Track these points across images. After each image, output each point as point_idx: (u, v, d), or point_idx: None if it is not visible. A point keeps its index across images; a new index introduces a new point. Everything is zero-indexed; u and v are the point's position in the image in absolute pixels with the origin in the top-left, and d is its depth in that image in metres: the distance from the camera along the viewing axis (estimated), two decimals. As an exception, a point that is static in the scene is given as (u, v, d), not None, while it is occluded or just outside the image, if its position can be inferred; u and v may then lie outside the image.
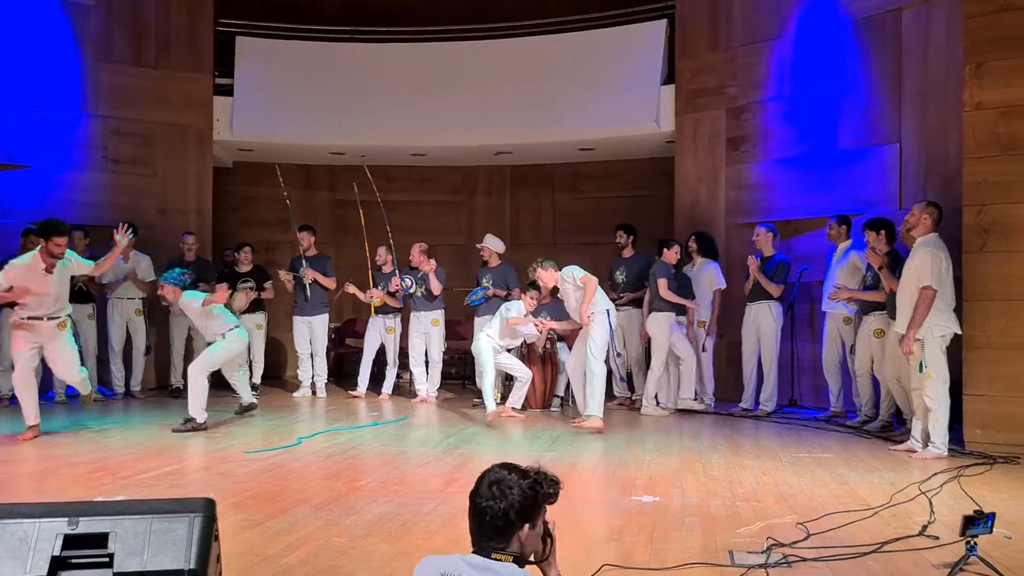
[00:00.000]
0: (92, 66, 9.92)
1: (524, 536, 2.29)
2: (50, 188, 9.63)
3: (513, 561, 2.20)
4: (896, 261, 6.77)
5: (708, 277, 8.78)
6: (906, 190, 7.98)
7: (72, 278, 8.81)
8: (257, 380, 9.73)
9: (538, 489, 2.32)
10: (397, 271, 9.36)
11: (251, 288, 9.49)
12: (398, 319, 9.61)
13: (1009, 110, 6.40)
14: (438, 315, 9.35)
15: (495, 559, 2.20)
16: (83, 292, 8.97)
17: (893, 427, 7.29)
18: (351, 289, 9.53)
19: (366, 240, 9.53)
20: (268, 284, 9.68)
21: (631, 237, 9.19)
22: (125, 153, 10.11)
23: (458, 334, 10.63)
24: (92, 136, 9.94)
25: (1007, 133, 6.39)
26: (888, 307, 6.75)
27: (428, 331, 9.32)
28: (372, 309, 9.50)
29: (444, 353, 9.59)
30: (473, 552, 2.26)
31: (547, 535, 2.40)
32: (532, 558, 2.38)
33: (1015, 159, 6.35)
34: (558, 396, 8.88)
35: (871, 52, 8.43)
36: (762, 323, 8.40)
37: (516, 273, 9.39)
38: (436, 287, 9.24)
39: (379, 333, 9.59)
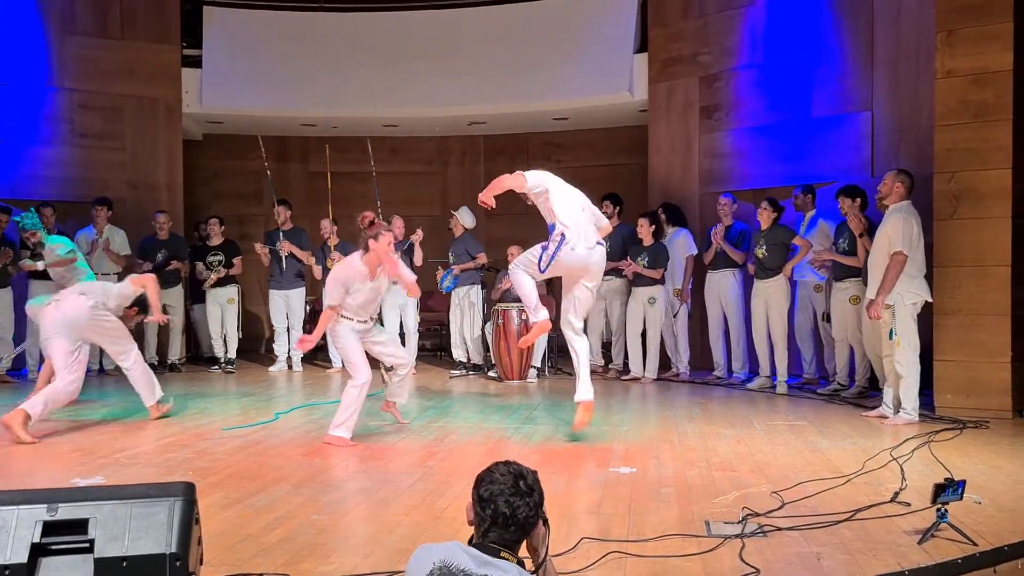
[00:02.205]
0: (57, 38, 9.74)
1: (537, 531, 2.33)
2: (17, 163, 9.48)
3: (517, 563, 2.21)
4: (870, 228, 6.83)
5: (680, 244, 8.81)
6: (878, 158, 8.04)
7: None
8: (232, 355, 9.69)
9: (538, 480, 2.35)
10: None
11: (220, 263, 9.45)
12: None
13: (979, 77, 6.44)
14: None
15: (504, 558, 2.18)
16: (53, 269, 8.85)
17: (869, 394, 7.37)
18: (308, 259, 9.47)
19: (331, 212, 9.44)
20: (237, 260, 9.60)
21: (617, 207, 9.16)
22: (93, 127, 9.96)
23: (429, 306, 10.62)
24: (59, 110, 9.78)
25: (977, 100, 6.44)
26: (864, 274, 6.81)
27: (404, 303, 9.30)
28: None
29: (419, 325, 9.59)
30: (475, 544, 2.24)
31: (545, 522, 2.42)
32: (535, 549, 2.40)
33: (985, 126, 6.40)
34: (534, 367, 8.91)
35: (844, 19, 8.44)
36: (726, 291, 8.47)
37: (477, 240, 9.39)
38: (418, 258, 9.22)
39: None
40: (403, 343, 9.41)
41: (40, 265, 7.38)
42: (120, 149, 10.15)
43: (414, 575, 2.19)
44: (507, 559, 2.19)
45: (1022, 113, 6.35)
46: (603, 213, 9.05)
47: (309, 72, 10.60)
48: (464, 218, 9.38)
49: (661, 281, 8.54)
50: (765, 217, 7.92)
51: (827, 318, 7.84)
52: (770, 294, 7.91)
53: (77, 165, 9.84)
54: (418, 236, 9.16)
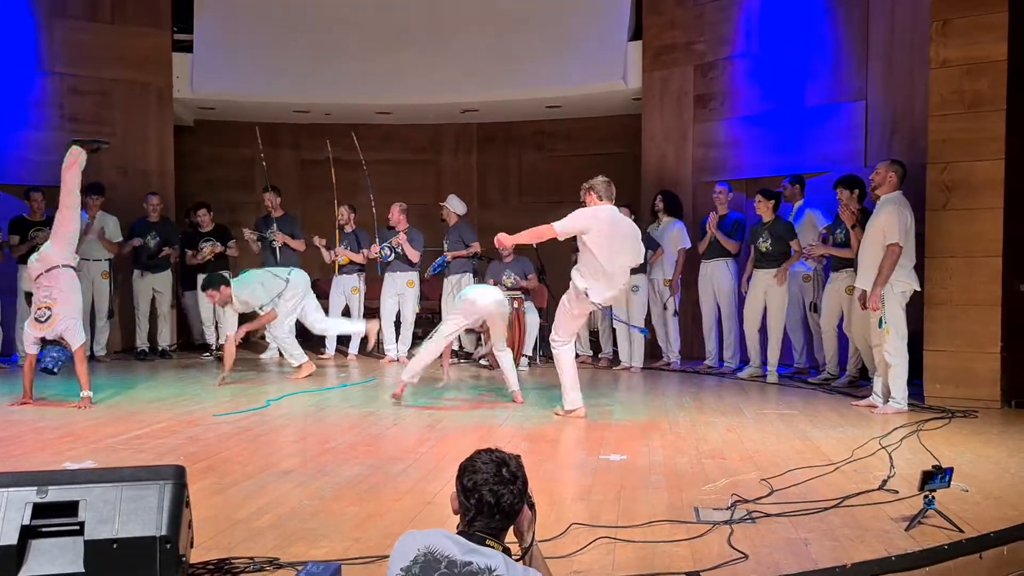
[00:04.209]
0: (46, 22, 9.67)
1: (524, 516, 2.37)
2: (6, 148, 9.42)
3: (503, 551, 2.22)
4: (866, 219, 6.83)
5: (673, 236, 8.80)
6: (871, 148, 8.05)
7: (29, 239, 8.75)
8: (223, 342, 9.64)
9: (522, 466, 2.37)
10: (377, 237, 9.29)
11: (214, 243, 9.44)
12: (362, 279, 9.60)
13: (974, 67, 6.44)
14: (413, 276, 9.34)
15: (489, 545, 2.20)
16: (44, 254, 8.81)
17: (859, 383, 7.39)
18: (319, 242, 9.48)
19: (336, 199, 9.42)
20: (232, 243, 9.61)
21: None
22: (83, 112, 9.89)
23: (424, 294, 10.60)
24: (48, 94, 9.71)
25: (971, 90, 6.44)
26: (856, 264, 6.82)
27: (403, 292, 9.32)
28: (336, 268, 9.45)
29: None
30: (461, 532, 2.25)
31: (531, 506, 2.44)
32: (521, 533, 2.42)
33: (979, 117, 6.41)
34: (526, 355, 8.91)
35: (838, 8, 8.45)
36: (720, 281, 8.47)
37: (471, 228, 9.37)
38: (413, 254, 9.20)
39: (343, 293, 9.56)
40: (398, 331, 9.46)
41: None
42: (110, 135, 10.07)
43: (398, 561, 2.20)
44: (492, 547, 2.20)
45: (1016, 104, 6.35)
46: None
47: (302, 58, 10.55)
48: (455, 206, 9.38)
49: (643, 270, 8.52)
50: (764, 209, 7.89)
51: (814, 308, 7.87)
52: (771, 284, 7.90)
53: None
54: (401, 239, 9.14)
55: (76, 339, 6.34)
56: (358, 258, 9.48)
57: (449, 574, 2.12)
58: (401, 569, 2.18)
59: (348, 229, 9.50)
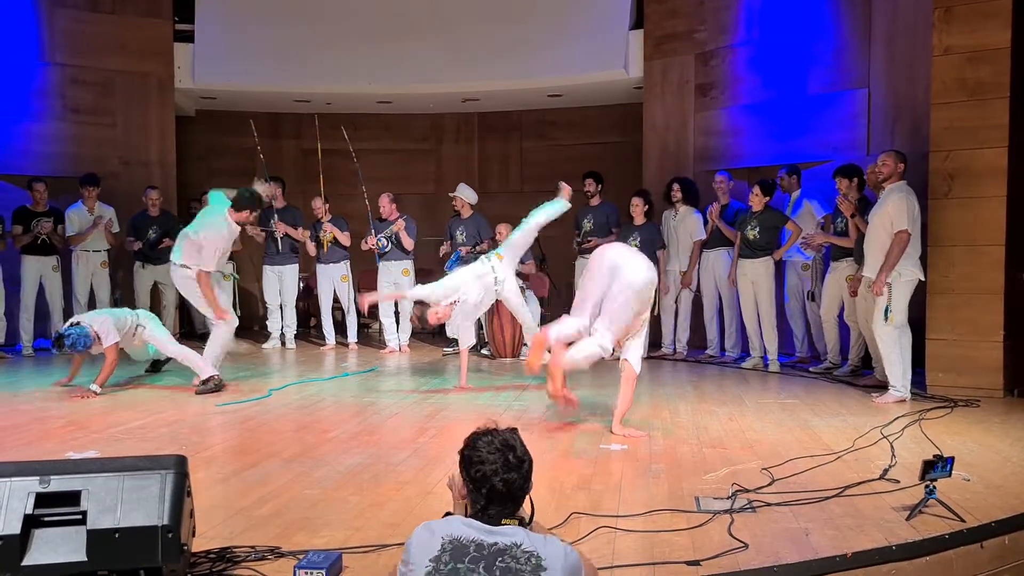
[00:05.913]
0: (47, 12, 9.64)
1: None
2: (8, 139, 9.42)
3: (519, 524, 2.23)
4: (866, 208, 6.82)
5: (690, 226, 8.69)
6: (874, 136, 8.02)
7: (33, 229, 8.76)
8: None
9: (523, 443, 2.38)
10: (372, 228, 9.27)
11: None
12: (348, 266, 9.60)
13: (976, 55, 6.41)
14: (408, 265, 9.32)
15: (505, 524, 2.22)
16: (46, 244, 8.84)
17: (862, 372, 7.38)
18: (302, 235, 9.43)
19: (322, 190, 9.38)
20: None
21: (599, 185, 9.16)
22: (84, 102, 9.88)
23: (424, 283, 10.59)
24: (50, 85, 9.70)
25: (974, 78, 6.42)
26: (856, 254, 6.82)
27: (398, 280, 9.30)
28: (325, 245, 9.39)
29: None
30: (474, 516, 2.27)
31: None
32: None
33: (981, 105, 6.38)
34: (527, 345, 8.90)
35: (841, -4, 8.41)
36: (721, 270, 8.44)
37: (488, 223, 9.35)
38: (408, 243, 9.20)
39: (331, 282, 9.55)
40: (397, 321, 9.46)
41: None
42: (112, 125, 10.09)
43: (424, 554, 2.18)
44: (508, 523, 2.22)
45: (1019, 92, 6.33)
46: (586, 192, 9.04)
47: (303, 48, 10.52)
48: (467, 195, 9.32)
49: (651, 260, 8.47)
50: (757, 201, 7.89)
51: (812, 297, 7.85)
52: (758, 273, 7.90)
53: (69, 141, 9.78)
54: (399, 226, 9.13)
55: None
56: (343, 239, 9.45)
57: (479, 556, 2.12)
58: (430, 560, 2.16)
59: (327, 218, 9.46)
